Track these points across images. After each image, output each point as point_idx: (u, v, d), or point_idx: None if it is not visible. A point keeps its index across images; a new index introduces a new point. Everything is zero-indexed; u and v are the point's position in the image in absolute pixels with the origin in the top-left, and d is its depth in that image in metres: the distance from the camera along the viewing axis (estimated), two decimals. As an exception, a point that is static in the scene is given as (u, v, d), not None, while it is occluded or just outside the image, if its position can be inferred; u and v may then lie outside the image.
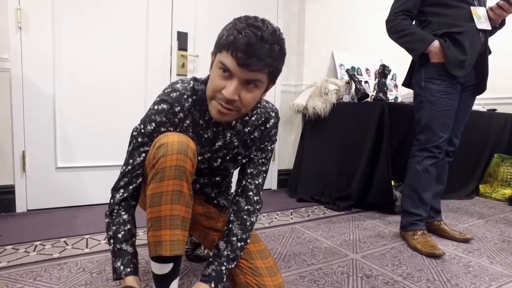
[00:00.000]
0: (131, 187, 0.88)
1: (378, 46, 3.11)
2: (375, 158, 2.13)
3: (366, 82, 2.54)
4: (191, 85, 0.89)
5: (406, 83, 1.76)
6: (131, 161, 0.88)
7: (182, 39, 2.23)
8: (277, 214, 2.02)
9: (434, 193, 1.68)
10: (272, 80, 0.83)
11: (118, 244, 0.84)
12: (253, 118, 0.95)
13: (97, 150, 2.01)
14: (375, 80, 2.95)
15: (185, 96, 0.87)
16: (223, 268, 0.89)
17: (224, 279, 0.89)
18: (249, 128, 0.95)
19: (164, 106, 0.86)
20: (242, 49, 0.72)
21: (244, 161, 0.99)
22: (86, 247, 1.40)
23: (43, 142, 1.88)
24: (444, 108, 1.54)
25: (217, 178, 1.04)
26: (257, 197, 0.98)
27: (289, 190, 2.56)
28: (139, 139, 0.87)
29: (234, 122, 0.91)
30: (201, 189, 1.05)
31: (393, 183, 2.20)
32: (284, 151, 2.78)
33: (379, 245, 1.57)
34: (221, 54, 0.77)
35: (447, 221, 1.94)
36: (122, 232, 0.85)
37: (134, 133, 0.89)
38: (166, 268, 0.81)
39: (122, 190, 0.88)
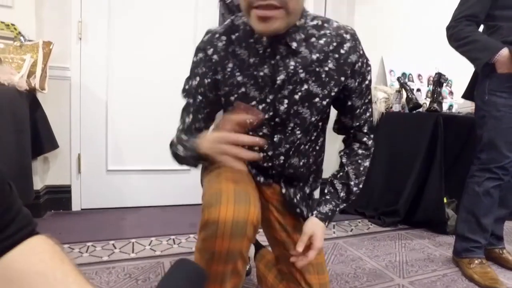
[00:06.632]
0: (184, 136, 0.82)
1: (432, 49, 2.90)
2: (426, 173, 2.00)
3: (418, 90, 2.39)
4: (227, 22, 0.79)
5: (467, 96, 1.62)
6: (182, 120, 0.85)
7: (228, 46, 2.24)
8: (318, 227, 1.96)
9: (496, 218, 1.53)
10: None
11: (186, 142, 0.78)
12: (321, 42, 0.75)
13: (145, 155, 2.09)
14: (428, 87, 2.76)
15: (217, 35, 0.77)
16: (338, 209, 0.87)
17: None
18: (317, 55, 0.74)
19: (200, 54, 0.78)
20: None
21: (324, 103, 0.78)
22: (132, 252, 1.46)
23: (96, 146, 2.00)
24: (511, 125, 1.38)
25: (297, 132, 0.80)
26: (370, 141, 0.90)
27: (331, 201, 2.47)
28: (186, 100, 0.84)
29: (296, 45, 0.73)
30: (278, 155, 0.83)
31: (445, 200, 2.04)
32: (329, 160, 2.69)
33: (428, 271, 1.46)
34: None
35: (510, 249, 1.75)
36: (187, 137, 0.80)
37: (183, 94, 0.84)
38: None
39: (175, 139, 0.83)
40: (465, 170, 1.55)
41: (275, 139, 0.81)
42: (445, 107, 2.80)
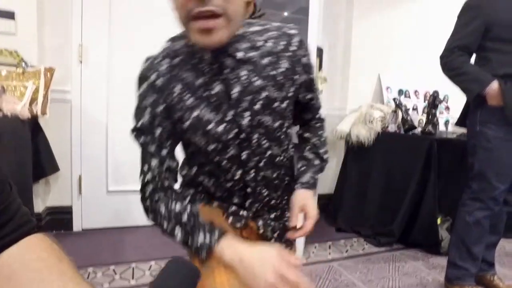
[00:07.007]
0: (158, 191, 0.73)
1: (428, 65, 2.93)
2: (421, 194, 2.03)
3: (414, 108, 2.42)
4: (165, 46, 0.74)
5: (460, 123, 1.65)
6: (146, 167, 0.73)
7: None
8: (315, 247, 2.00)
9: (488, 244, 1.56)
10: None
11: (188, 227, 0.68)
12: (268, 44, 0.72)
13: (144, 175, 2.13)
14: (424, 102, 2.79)
15: (157, 60, 0.72)
16: (316, 177, 0.84)
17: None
18: (269, 58, 0.71)
19: (144, 84, 0.71)
20: None
21: (283, 105, 0.74)
22: (132, 278, 1.50)
23: (97, 168, 2.04)
24: (501, 157, 1.42)
25: (263, 143, 0.75)
26: (322, 115, 0.91)
27: (329, 218, 2.52)
28: (142, 139, 0.72)
29: (242, 54, 0.69)
30: (248, 170, 0.76)
31: (439, 220, 2.08)
32: (325, 176, 2.74)
33: (421, 297, 1.50)
34: None
35: (502, 271, 1.78)
36: (186, 216, 0.69)
37: (133, 134, 0.74)
38: None
39: (150, 198, 0.74)
40: (460, 189, 1.58)
41: (243, 157, 0.74)
42: (441, 122, 2.84)
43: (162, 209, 0.72)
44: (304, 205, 0.76)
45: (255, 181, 0.77)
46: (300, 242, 1.89)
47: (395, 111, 2.28)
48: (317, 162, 0.86)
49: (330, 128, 2.55)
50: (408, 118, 2.18)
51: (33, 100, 1.70)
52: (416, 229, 2.03)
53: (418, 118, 2.69)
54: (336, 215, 2.45)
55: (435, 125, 2.09)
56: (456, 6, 2.72)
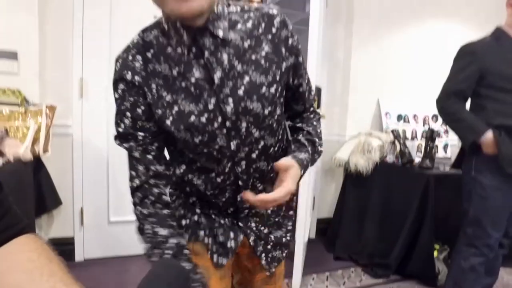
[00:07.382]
0: (148, 201, 0.70)
1: (427, 89, 2.93)
2: (418, 225, 2.05)
3: (414, 137, 2.44)
4: (136, 40, 0.68)
5: (456, 166, 1.67)
6: (133, 173, 0.71)
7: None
8: (313, 279, 2.03)
9: (483, 286, 1.58)
10: None
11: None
12: (248, 25, 0.68)
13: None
14: (423, 126, 2.80)
15: (130, 58, 0.67)
16: (309, 164, 0.77)
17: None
18: (249, 41, 0.68)
19: (121, 86, 0.67)
20: None
21: (272, 90, 0.70)
22: (133, 320, 1.53)
23: (98, 199, 2.07)
24: (496, 206, 1.44)
25: (253, 131, 0.71)
26: (315, 109, 0.87)
27: (327, 243, 2.55)
28: (125, 145, 0.70)
29: (222, 33, 0.64)
30: (239, 161, 0.72)
31: (436, 251, 2.10)
32: (324, 200, 2.77)
33: None
34: None
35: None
36: (170, 252, 0.68)
37: (117, 142, 0.72)
38: None
39: (139, 208, 0.71)
40: (458, 218, 1.62)
41: (232, 148, 0.70)
42: (440, 146, 2.86)
43: (148, 228, 0.69)
44: (288, 168, 0.69)
45: (247, 173, 0.73)
46: (297, 273, 1.92)
47: (393, 142, 2.29)
48: (310, 148, 0.79)
49: (329, 155, 2.57)
50: (406, 150, 2.19)
51: (35, 140, 1.72)
52: (413, 261, 2.05)
53: (417, 143, 2.72)
54: (334, 242, 2.47)
55: (432, 158, 2.11)
56: (451, 31, 2.74)
